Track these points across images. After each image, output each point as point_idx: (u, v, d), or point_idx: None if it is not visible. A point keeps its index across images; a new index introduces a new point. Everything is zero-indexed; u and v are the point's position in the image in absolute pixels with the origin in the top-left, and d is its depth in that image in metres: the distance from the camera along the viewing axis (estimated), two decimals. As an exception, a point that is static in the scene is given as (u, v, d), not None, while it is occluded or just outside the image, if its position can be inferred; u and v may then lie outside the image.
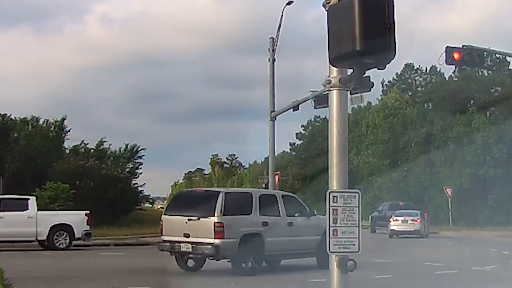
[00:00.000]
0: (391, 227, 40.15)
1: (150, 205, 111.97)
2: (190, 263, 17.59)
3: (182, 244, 16.56)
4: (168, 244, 16.99)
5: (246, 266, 16.68)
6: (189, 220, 16.54)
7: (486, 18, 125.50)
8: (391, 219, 40.86)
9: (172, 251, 17.12)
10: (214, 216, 16.23)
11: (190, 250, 16.50)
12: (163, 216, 18.02)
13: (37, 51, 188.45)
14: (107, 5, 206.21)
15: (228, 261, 16.94)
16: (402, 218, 40.06)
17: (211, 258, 16.69)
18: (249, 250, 16.67)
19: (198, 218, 16.41)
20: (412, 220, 39.58)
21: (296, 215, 18.02)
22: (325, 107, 24.11)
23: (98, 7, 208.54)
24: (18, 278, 14.02)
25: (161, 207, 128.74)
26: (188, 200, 18.33)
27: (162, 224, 17.69)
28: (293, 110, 35.66)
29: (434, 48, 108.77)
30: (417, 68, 78.36)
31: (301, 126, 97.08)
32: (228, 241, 16.21)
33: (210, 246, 16.10)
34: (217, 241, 16.06)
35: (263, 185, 64.55)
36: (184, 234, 16.52)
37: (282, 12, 37.76)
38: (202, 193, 19.18)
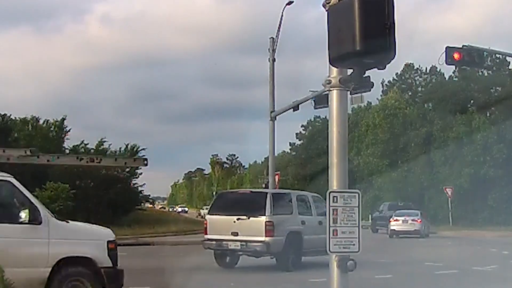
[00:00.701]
0: (392, 227, 40.16)
1: (151, 205, 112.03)
2: (228, 260, 18.51)
3: (230, 242, 17.50)
4: (214, 242, 17.85)
5: (289, 262, 17.71)
6: (238, 219, 17.51)
7: (487, 18, 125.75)
8: (391, 219, 40.87)
9: (219, 249, 17.98)
10: (265, 215, 17.33)
11: (239, 247, 17.50)
12: (207, 216, 19.06)
13: (38, 51, 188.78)
14: (108, 5, 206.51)
15: (272, 258, 18.05)
16: (403, 218, 40.08)
17: (261, 255, 17.76)
18: (292, 247, 17.85)
19: (248, 218, 17.40)
20: (412, 220, 39.60)
21: (322, 214, 18.53)
22: (325, 107, 24.11)
23: (98, 7, 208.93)
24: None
25: (162, 207, 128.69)
26: (233, 200, 19.11)
27: (206, 224, 18.57)
28: (293, 110, 35.66)
29: (435, 48, 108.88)
30: (417, 68, 78.40)
31: (301, 126, 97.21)
32: (277, 239, 17.38)
33: (261, 244, 17.14)
34: (267, 238, 17.12)
35: (263, 185, 64.57)
36: (232, 233, 17.49)
37: (282, 12, 37.78)
38: (249, 194, 20.19)
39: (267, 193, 18.56)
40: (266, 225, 17.25)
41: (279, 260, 17.95)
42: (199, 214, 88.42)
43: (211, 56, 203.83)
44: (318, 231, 17.84)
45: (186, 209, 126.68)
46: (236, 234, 17.47)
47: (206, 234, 18.32)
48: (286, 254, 17.72)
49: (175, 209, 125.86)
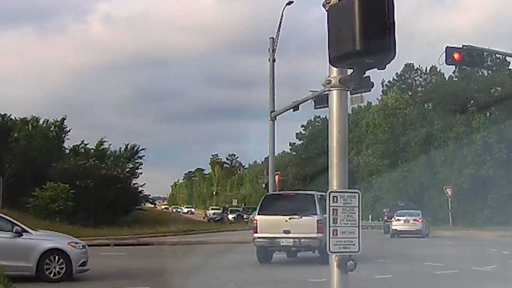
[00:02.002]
0: (393, 227, 40.33)
1: (152, 205, 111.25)
2: (267, 256, 20.36)
3: (282, 240, 19.49)
4: (267, 240, 19.75)
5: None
6: (290, 218, 19.36)
7: (489, 18, 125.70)
8: (392, 219, 41.05)
9: (271, 245, 19.92)
10: (316, 214, 19.29)
11: (292, 244, 19.54)
12: (257, 216, 20.62)
13: (39, 51, 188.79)
14: (110, 5, 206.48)
15: (313, 253, 20.08)
16: (404, 218, 40.20)
17: (313, 250, 19.79)
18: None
19: (300, 217, 19.16)
20: (414, 220, 39.71)
21: None
22: (325, 107, 24.11)
23: (100, 6, 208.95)
24: (18, 278, 14.01)
25: (165, 208, 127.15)
26: (282, 202, 20.97)
27: (256, 224, 20.22)
28: (293, 110, 35.67)
29: (437, 48, 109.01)
30: (417, 68, 78.44)
31: (301, 126, 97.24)
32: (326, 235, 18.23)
33: (314, 240, 19.10)
34: (319, 235, 18.84)
35: (263, 185, 64.57)
36: (284, 231, 19.36)
37: (282, 12, 37.79)
38: (296, 196, 22.24)
39: (314, 195, 20.26)
40: (318, 223, 19.06)
41: (322, 254, 19.08)
42: (206, 216, 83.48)
43: (211, 56, 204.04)
44: None
45: (193, 209, 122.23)
46: (288, 232, 19.35)
47: (257, 232, 19.97)
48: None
49: (178, 210, 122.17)
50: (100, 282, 14.99)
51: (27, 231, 15.11)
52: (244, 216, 64.98)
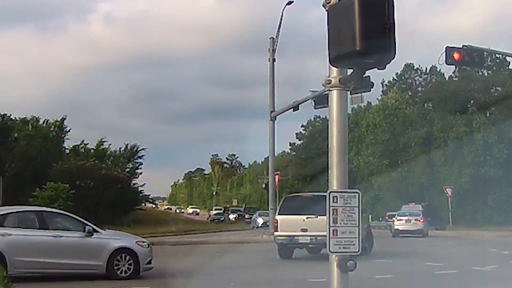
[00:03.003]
0: (395, 227, 40.50)
1: (154, 206, 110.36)
2: (288, 252, 21.95)
3: (300, 237, 21.08)
4: (286, 237, 21.37)
5: None
6: (307, 218, 20.67)
7: (490, 18, 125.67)
8: (394, 219, 41.18)
9: (290, 243, 21.55)
10: None
11: (309, 241, 21.09)
12: (277, 216, 22.38)
13: (40, 51, 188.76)
14: (111, 4, 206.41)
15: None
16: (406, 218, 40.31)
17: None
18: None
19: (317, 216, 20.13)
20: (415, 220, 39.80)
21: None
22: (325, 107, 24.11)
23: (101, 6, 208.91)
24: (18, 277, 14.02)
25: (168, 208, 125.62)
26: (300, 203, 22.39)
27: (277, 223, 21.96)
28: (293, 110, 35.71)
29: (438, 48, 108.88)
30: (417, 68, 78.46)
31: (301, 126, 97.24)
32: None
33: None
34: None
35: (263, 185, 64.54)
36: (301, 229, 20.89)
37: (282, 12, 37.82)
38: (313, 197, 22.90)
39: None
40: None
41: None
42: (210, 216, 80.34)
43: (212, 56, 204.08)
44: (364, 226, 21.00)
45: (198, 210, 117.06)
46: (305, 230, 20.86)
47: (277, 231, 21.73)
48: None
49: (182, 211, 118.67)
50: (100, 282, 14.99)
51: (97, 231, 15.68)
52: (246, 216, 64.61)
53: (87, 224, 15.63)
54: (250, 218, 58.40)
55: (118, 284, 14.68)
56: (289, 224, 21.32)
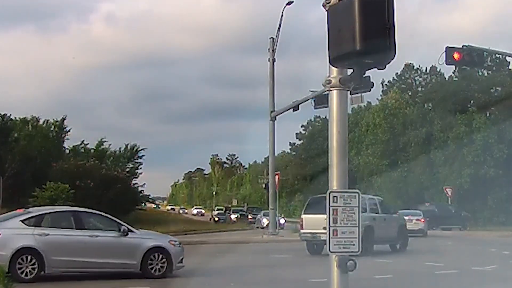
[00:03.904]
0: None
1: (156, 206, 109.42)
2: (317, 248, 23.66)
3: (322, 235, 21.79)
4: (310, 235, 23.33)
5: (364, 249, 21.72)
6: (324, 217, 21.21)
7: (491, 18, 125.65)
8: None
9: (313, 240, 23.40)
10: None
11: (325, 239, 20.79)
12: (303, 215, 24.44)
13: (41, 51, 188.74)
14: (112, 4, 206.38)
15: None
16: (407, 218, 40.30)
17: None
18: (367, 238, 21.94)
19: None
20: (416, 220, 39.81)
21: (386, 213, 25.37)
22: (325, 107, 24.14)
23: (103, 6, 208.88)
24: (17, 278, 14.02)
25: (171, 208, 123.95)
26: (322, 203, 22.33)
27: (302, 221, 24.10)
28: (293, 110, 35.69)
29: (438, 48, 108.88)
30: (417, 68, 78.42)
31: (301, 126, 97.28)
32: None
33: None
34: None
35: (263, 185, 64.43)
36: (323, 227, 20.30)
37: (282, 13, 37.81)
38: None
39: None
40: None
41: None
42: (212, 217, 77.93)
43: (213, 56, 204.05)
44: (383, 225, 24.39)
45: (203, 211, 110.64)
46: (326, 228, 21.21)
47: (302, 229, 23.90)
48: (363, 243, 21.38)
49: (185, 211, 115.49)
50: (100, 282, 15.00)
51: (132, 231, 16.05)
52: (249, 216, 63.76)
53: (122, 224, 16.02)
54: (254, 218, 58.00)
55: (118, 284, 14.68)
56: (313, 223, 22.90)
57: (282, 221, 51.67)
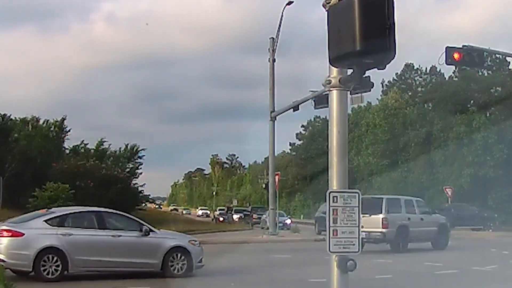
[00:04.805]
0: None
1: (157, 206, 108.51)
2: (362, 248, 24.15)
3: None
4: None
5: (399, 246, 24.89)
6: (363, 217, 22.28)
7: (492, 18, 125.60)
8: None
9: None
10: (381, 213, 24.89)
11: (364, 236, 23.23)
12: None
13: (42, 50, 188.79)
14: (114, 4, 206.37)
15: (386, 244, 25.23)
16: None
17: (379, 242, 24.91)
18: (401, 236, 25.12)
19: (370, 215, 23.64)
20: None
21: (423, 213, 26.91)
22: (325, 107, 24.14)
23: (104, 6, 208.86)
24: (17, 278, 14.03)
25: (174, 209, 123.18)
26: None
27: None
28: (293, 110, 35.68)
29: (439, 48, 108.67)
30: (417, 68, 78.42)
31: (301, 126, 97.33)
32: (390, 230, 24.84)
33: (380, 234, 24.67)
34: (384, 230, 24.71)
35: (263, 185, 64.34)
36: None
37: (282, 13, 37.80)
38: (368, 198, 26.20)
39: (382, 198, 26.70)
40: (382, 221, 24.70)
41: (392, 246, 25.16)
42: (214, 217, 75.88)
43: (213, 56, 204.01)
44: (420, 225, 25.91)
45: (208, 212, 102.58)
46: (362, 227, 22.55)
47: None
48: (397, 241, 25.04)
49: (189, 212, 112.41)
50: (100, 282, 15.00)
51: (153, 231, 16.37)
52: (254, 216, 63.00)
53: (143, 224, 16.28)
54: (259, 218, 57.58)
55: (119, 284, 14.68)
56: None
57: (288, 221, 51.60)
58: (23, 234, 14.71)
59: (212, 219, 75.87)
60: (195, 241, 16.94)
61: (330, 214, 4.69)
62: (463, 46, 23.61)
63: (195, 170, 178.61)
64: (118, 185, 42.00)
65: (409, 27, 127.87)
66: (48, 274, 14.54)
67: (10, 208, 35.53)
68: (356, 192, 4.76)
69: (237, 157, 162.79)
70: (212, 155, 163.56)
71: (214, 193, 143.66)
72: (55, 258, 14.60)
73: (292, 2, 37.24)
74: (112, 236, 15.55)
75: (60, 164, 41.44)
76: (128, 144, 52.88)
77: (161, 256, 15.81)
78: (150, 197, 60.16)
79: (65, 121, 49.93)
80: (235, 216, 68.32)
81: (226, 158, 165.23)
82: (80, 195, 36.53)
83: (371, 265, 17.10)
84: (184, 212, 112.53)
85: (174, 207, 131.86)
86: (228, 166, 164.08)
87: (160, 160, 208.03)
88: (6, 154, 41.54)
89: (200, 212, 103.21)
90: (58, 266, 14.64)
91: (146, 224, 16.45)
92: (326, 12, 4.38)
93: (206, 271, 16.55)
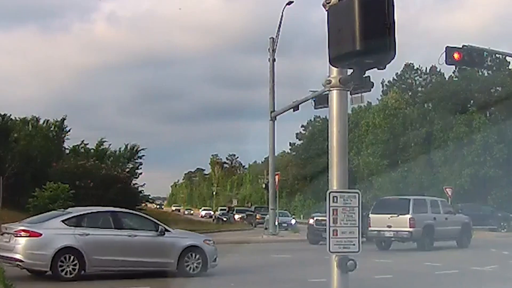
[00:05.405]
0: None
1: (158, 206, 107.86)
2: (389, 247, 26.74)
3: (386, 232, 26.22)
4: (376, 232, 26.31)
5: (425, 245, 25.86)
6: (391, 216, 25.98)
7: (493, 18, 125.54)
8: None
9: (378, 236, 26.57)
10: (408, 213, 25.99)
11: (392, 235, 26.27)
12: (370, 215, 26.55)
13: (43, 50, 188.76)
14: (115, 4, 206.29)
15: (413, 242, 26.30)
16: None
17: (406, 241, 26.26)
18: (427, 235, 26.22)
19: (398, 215, 25.78)
20: None
21: (447, 213, 28.04)
22: (325, 107, 24.13)
23: (105, 5, 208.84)
24: (17, 278, 14.02)
25: (176, 209, 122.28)
26: (387, 204, 27.73)
27: (369, 220, 26.21)
28: (293, 110, 35.68)
29: (439, 47, 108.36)
30: (417, 68, 78.41)
31: (301, 126, 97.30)
32: (417, 229, 25.83)
33: (407, 233, 25.82)
34: (411, 229, 25.75)
35: (263, 185, 64.30)
36: (387, 225, 26.06)
37: (282, 13, 37.81)
38: (397, 200, 29.14)
39: (410, 199, 27.80)
40: (409, 220, 25.76)
41: (418, 244, 26.15)
42: (216, 218, 74.37)
43: (214, 56, 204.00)
44: (444, 224, 27.00)
45: (212, 213, 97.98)
46: (390, 226, 26.01)
47: (370, 226, 26.16)
48: (423, 239, 26.01)
49: (191, 212, 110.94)
50: (100, 282, 15.00)
51: (169, 230, 16.47)
52: (258, 216, 62.55)
53: (159, 224, 16.39)
54: (263, 218, 57.44)
55: (121, 284, 14.68)
56: (378, 221, 26.09)
57: (293, 221, 51.51)
58: (41, 234, 14.82)
59: (213, 219, 75.74)
60: (210, 240, 17.08)
61: (330, 214, 4.68)
62: (463, 46, 23.61)
63: (195, 170, 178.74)
64: (118, 185, 41.97)
65: (409, 27, 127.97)
66: (65, 273, 14.68)
67: (10, 208, 35.51)
68: (356, 192, 4.76)
69: (237, 157, 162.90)
70: (212, 155, 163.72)
71: (214, 193, 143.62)
72: (72, 258, 14.76)
73: (292, 2, 37.27)
74: (128, 235, 15.67)
75: (60, 164, 41.41)
76: (128, 144, 52.84)
77: (177, 255, 15.93)
78: (150, 197, 60.12)
79: (65, 121, 49.88)
80: (237, 216, 68.28)
81: (226, 158, 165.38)
82: (80, 195, 36.51)
83: (371, 265, 17.09)
84: (186, 212, 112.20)
85: (176, 207, 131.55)
86: (228, 166, 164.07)
87: (160, 160, 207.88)
88: (6, 154, 41.50)
89: (203, 213, 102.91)
90: (75, 266, 14.77)
91: (162, 224, 16.60)
92: (326, 12, 4.38)
93: (206, 272, 16.54)
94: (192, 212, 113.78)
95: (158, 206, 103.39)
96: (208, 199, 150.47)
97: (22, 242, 14.67)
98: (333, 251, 4.66)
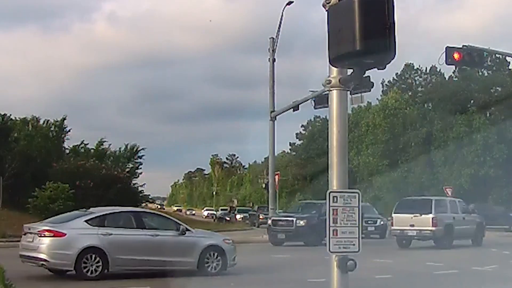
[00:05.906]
0: None
1: (159, 206, 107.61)
2: (409, 245, 27.77)
3: (409, 231, 27.19)
4: (399, 231, 27.51)
5: (445, 243, 26.72)
6: (414, 216, 26.92)
7: (494, 18, 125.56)
8: None
9: (401, 235, 27.57)
10: (431, 213, 26.90)
11: (415, 234, 27.21)
12: (393, 214, 28.12)
13: (43, 50, 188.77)
14: (115, 3, 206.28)
15: (434, 242, 27.21)
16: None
17: (429, 239, 27.22)
18: (447, 234, 27.17)
19: (421, 215, 26.78)
20: None
21: (464, 212, 28.84)
22: (325, 107, 24.13)
23: (106, 5, 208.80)
24: (17, 278, 14.02)
25: (178, 209, 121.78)
26: (410, 204, 28.68)
27: (392, 220, 28.11)
28: (293, 110, 35.67)
29: (439, 47, 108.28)
30: (417, 68, 78.39)
31: (301, 126, 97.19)
32: (439, 228, 26.85)
33: (429, 232, 26.85)
34: (433, 228, 26.72)
35: (263, 185, 64.23)
36: (410, 225, 27.00)
37: (282, 13, 37.79)
38: (419, 200, 30.05)
39: (432, 199, 28.81)
40: (432, 220, 26.71)
41: (439, 242, 27.03)
42: (218, 218, 74.52)
43: (214, 56, 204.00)
44: (462, 223, 28.03)
45: (215, 213, 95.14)
46: (412, 225, 26.96)
47: (393, 226, 27.96)
48: (444, 238, 27.03)
49: (193, 213, 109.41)
50: (100, 282, 14.99)
51: (189, 230, 16.65)
52: (261, 216, 62.29)
53: (180, 224, 16.63)
54: (265, 218, 57.30)
55: (124, 284, 14.67)
56: (401, 221, 27.18)
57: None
58: (65, 234, 14.94)
59: (214, 220, 75.65)
60: (229, 240, 17.26)
61: (330, 214, 4.69)
62: (463, 46, 23.61)
63: (195, 170, 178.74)
64: (118, 185, 41.94)
65: (409, 27, 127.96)
66: (89, 273, 14.84)
67: (10, 208, 35.52)
68: (356, 192, 4.76)
69: (237, 157, 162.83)
70: (212, 155, 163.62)
71: (214, 193, 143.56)
72: (96, 258, 14.92)
73: (292, 2, 37.24)
74: (150, 235, 15.81)
75: (60, 164, 41.39)
76: (128, 144, 52.80)
77: (197, 255, 16.11)
78: (150, 197, 60.08)
79: (65, 121, 49.81)
80: (238, 216, 68.31)
81: (226, 158, 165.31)
82: (80, 195, 36.50)
83: (371, 265, 17.08)
84: (187, 212, 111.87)
85: (178, 207, 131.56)
86: (228, 166, 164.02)
87: (160, 160, 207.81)
88: (6, 154, 41.48)
89: (206, 213, 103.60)
90: (98, 265, 14.93)
91: (183, 224, 16.81)
92: (326, 12, 4.38)
93: (206, 272, 16.53)
94: (194, 212, 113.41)
95: (159, 206, 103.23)
96: (208, 199, 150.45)
97: (46, 242, 14.81)
98: (333, 251, 4.66)
